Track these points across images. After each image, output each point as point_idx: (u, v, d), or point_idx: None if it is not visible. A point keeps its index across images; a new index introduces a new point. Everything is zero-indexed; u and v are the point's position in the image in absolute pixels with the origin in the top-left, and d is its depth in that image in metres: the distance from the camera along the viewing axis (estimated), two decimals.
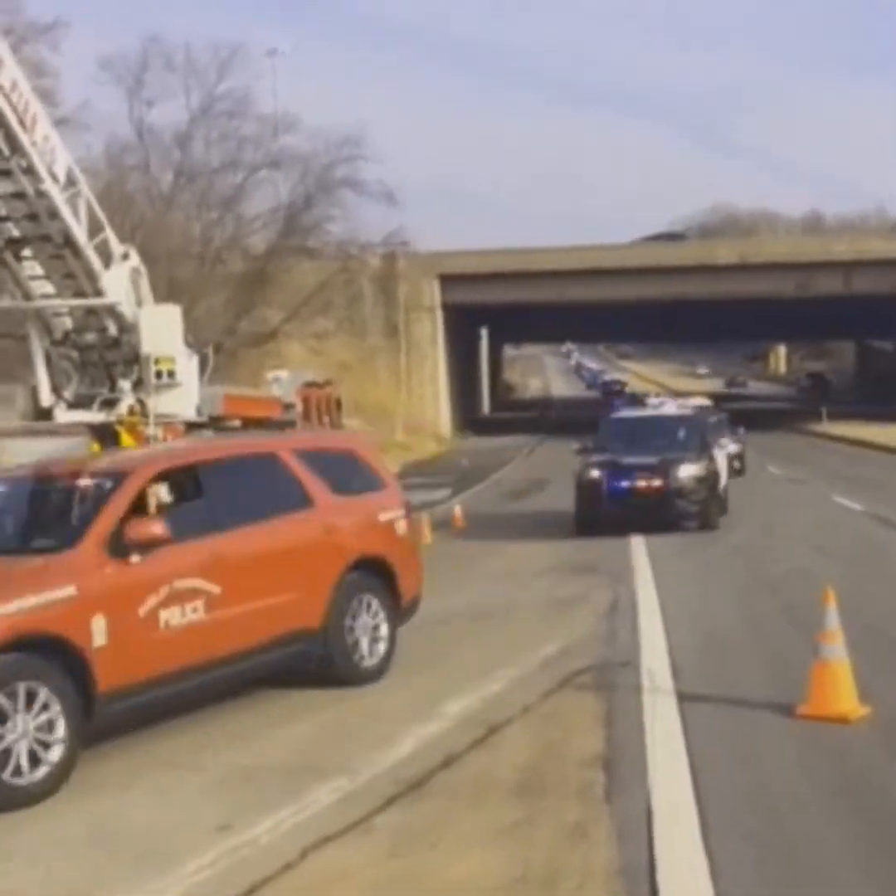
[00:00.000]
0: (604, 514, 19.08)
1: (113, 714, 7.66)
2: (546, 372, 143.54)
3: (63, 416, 16.46)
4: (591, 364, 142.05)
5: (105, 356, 16.77)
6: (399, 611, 9.98)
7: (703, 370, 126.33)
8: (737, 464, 28.71)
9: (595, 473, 19.23)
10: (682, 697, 8.60)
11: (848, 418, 55.44)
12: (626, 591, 13.55)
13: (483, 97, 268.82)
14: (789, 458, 37.55)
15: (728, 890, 5.27)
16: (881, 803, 6.43)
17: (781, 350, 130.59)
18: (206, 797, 7.05)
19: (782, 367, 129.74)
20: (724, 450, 23.17)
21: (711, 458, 20.00)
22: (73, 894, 5.66)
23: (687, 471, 19.04)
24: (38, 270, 16.02)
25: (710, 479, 19.46)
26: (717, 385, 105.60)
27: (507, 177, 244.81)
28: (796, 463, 35.39)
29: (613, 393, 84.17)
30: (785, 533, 19.25)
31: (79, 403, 16.60)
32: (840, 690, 7.90)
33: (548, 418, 72.13)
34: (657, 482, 18.93)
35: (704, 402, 33.76)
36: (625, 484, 19.03)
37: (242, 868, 5.87)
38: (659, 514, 18.80)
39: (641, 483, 18.99)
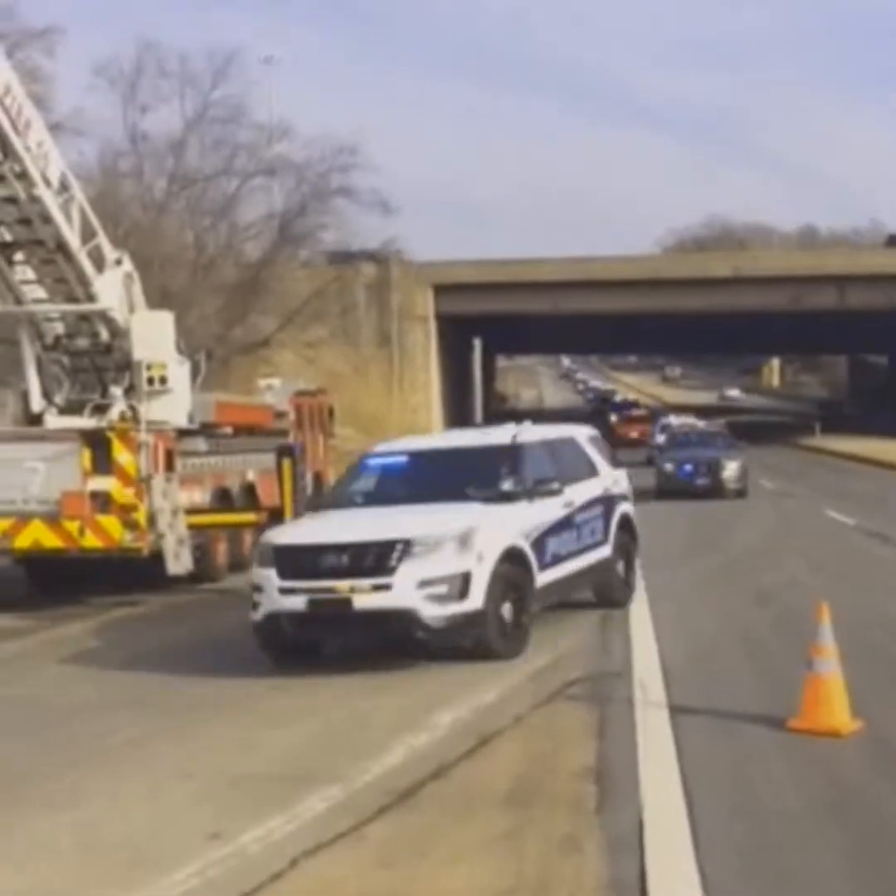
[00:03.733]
0: None
1: None
2: (539, 383, 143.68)
3: (54, 421, 16.38)
4: (596, 382, 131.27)
5: (96, 362, 16.70)
6: None
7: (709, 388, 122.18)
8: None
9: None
10: (675, 710, 8.57)
11: (841, 432, 55.51)
12: None
13: (480, 107, 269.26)
14: (782, 471, 37.56)
15: None
16: (872, 819, 6.40)
17: (775, 363, 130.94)
18: (195, 805, 7.00)
19: (775, 381, 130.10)
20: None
21: None
22: None
23: None
24: (30, 275, 15.95)
25: None
26: (709, 398, 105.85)
27: (501, 187, 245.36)
28: (789, 477, 35.39)
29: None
30: (777, 546, 19.23)
31: (70, 409, 16.52)
32: (832, 704, 7.87)
33: None
34: None
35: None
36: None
37: (232, 877, 5.82)
38: None
39: None
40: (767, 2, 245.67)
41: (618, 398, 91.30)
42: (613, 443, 49.43)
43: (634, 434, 53.37)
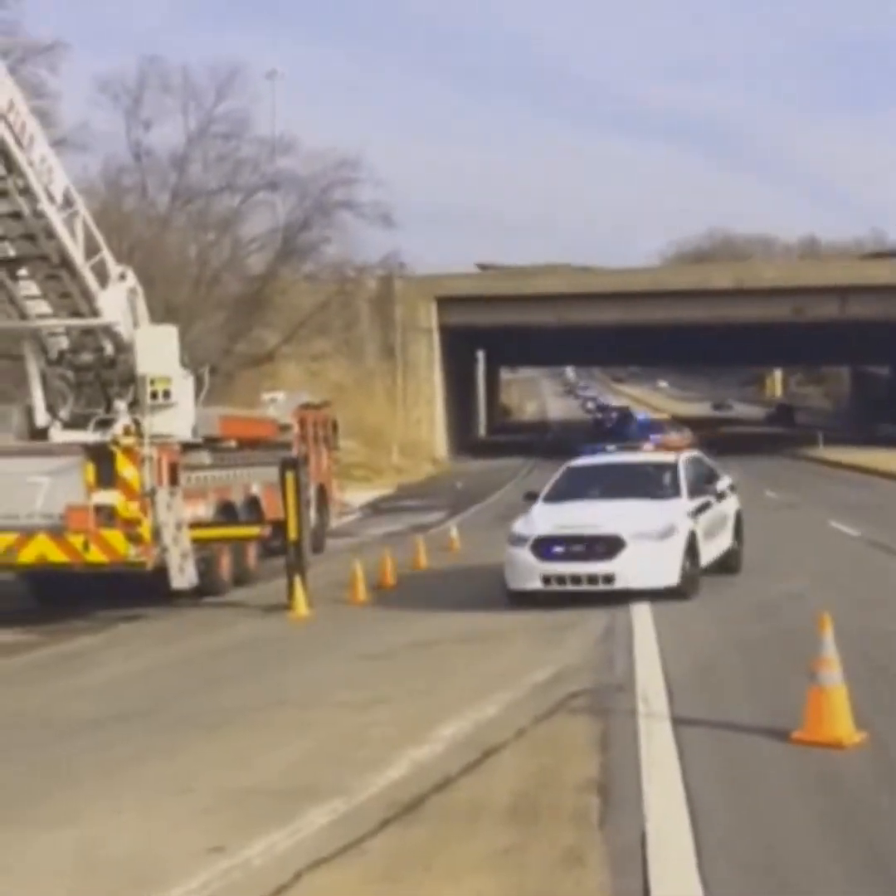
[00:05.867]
0: None
1: None
2: (543, 395, 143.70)
3: (58, 435, 16.41)
4: (606, 399, 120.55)
5: (101, 376, 16.73)
6: None
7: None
8: None
9: None
10: (678, 722, 8.57)
11: (844, 444, 55.51)
12: (622, 615, 13.51)
13: (483, 120, 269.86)
14: (786, 483, 37.56)
15: None
16: (875, 830, 6.39)
17: (777, 374, 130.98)
18: (197, 820, 6.99)
19: (778, 391, 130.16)
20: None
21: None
22: None
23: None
24: (35, 290, 16.00)
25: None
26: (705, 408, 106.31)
27: (505, 199, 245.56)
28: (793, 488, 35.39)
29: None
30: (781, 557, 19.22)
31: (74, 423, 16.55)
32: (836, 716, 7.87)
33: (544, 441, 72.20)
34: None
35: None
36: None
37: (234, 891, 5.82)
38: None
39: None
40: (773, 19, 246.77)
41: (642, 416, 70.83)
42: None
43: None
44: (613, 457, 17.63)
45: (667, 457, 16.79)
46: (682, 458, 16.44)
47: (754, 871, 5.81)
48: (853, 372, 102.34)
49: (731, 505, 17.34)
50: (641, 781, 7.21)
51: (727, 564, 16.71)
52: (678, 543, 14.46)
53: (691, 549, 14.71)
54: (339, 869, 6.08)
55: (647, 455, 17.47)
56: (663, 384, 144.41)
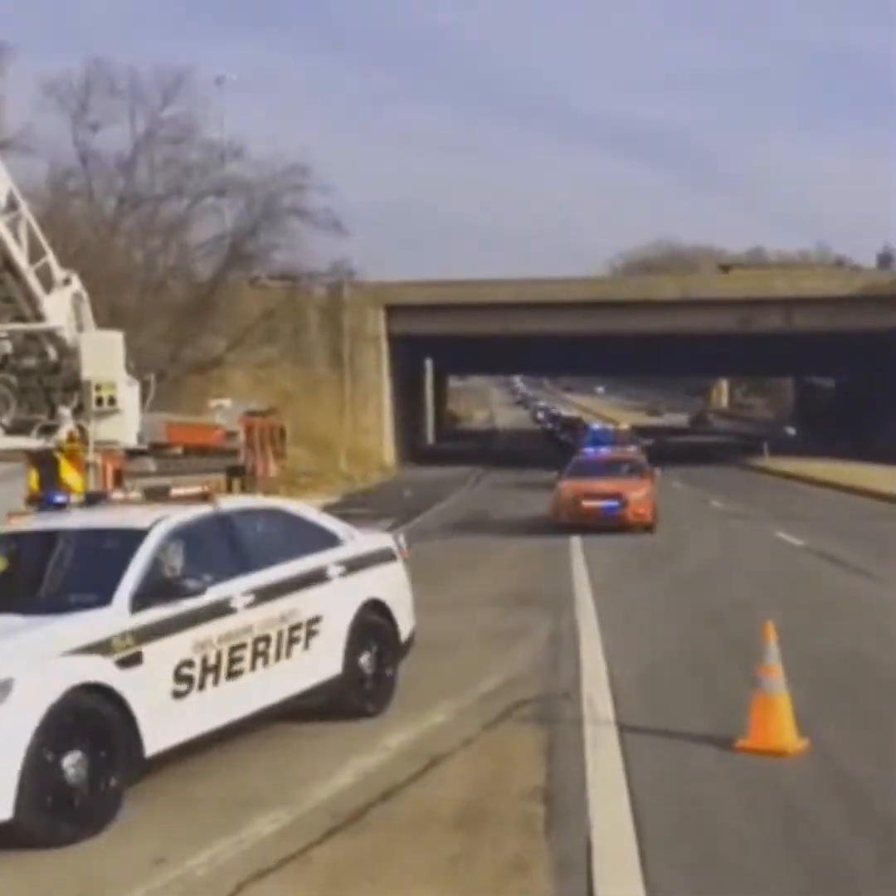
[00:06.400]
0: None
1: None
2: (491, 404, 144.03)
3: (1, 441, 16.23)
4: (560, 409, 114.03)
5: (45, 381, 16.58)
6: None
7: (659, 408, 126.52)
8: None
9: None
10: (623, 729, 8.59)
11: (790, 454, 56.06)
12: (568, 623, 13.55)
13: (432, 128, 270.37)
14: (733, 492, 37.85)
15: None
16: (818, 837, 6.44)
17: (723, 385, 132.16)
18: (141, 830, 6.92)
19: (724, 402, 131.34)
20: None
21: None
22: None
23: None
24: None
25: None
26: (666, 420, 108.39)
27: (454, 209, 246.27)
28: (739, 498, 35.66)
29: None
30: (727, 566, 19.34)
31: (17, 429, 16.39)
32: (779, 723, 7.93)
33: (492, 450, 72.28)
34: None
35: None
36: None
37: None
38: None
39: None
40: (719, 34, 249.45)
41: (597, 426, 51.50)
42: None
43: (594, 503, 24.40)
44: (52, 521, 9.29)
45: (134, 521, 8.38)
46: (166, 525, 8.18)
47: (699, 879, 5.83)
48: (797, 383, 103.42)
49: (344, 596, 9.30)
50: (587, 789, 7.22)
51: (340, 703, 9.25)
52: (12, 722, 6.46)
53: (77, 729, 6.80)
54: (283, 879, 6.03)
55: (108, 518, 8.83)
56: (600, 390, 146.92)
